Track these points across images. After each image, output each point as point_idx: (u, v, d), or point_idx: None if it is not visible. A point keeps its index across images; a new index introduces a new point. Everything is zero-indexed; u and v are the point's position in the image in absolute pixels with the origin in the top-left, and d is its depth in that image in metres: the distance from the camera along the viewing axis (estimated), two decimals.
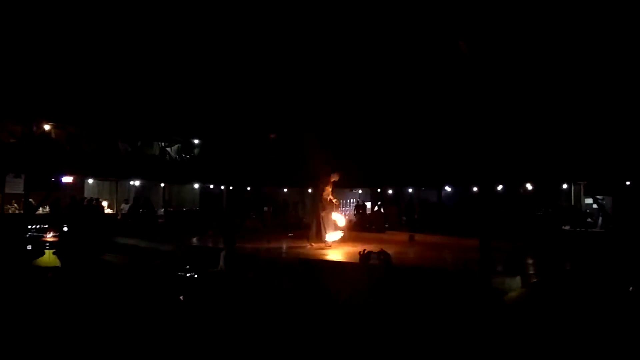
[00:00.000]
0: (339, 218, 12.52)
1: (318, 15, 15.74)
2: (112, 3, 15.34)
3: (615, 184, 16.24)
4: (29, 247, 10.35)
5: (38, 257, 7.05)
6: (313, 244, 11.47)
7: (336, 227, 11.57)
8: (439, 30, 13.40)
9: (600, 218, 17.50)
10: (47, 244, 10.45)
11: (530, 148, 16.89)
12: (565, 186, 19.76)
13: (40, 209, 15.61)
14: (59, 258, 6.07)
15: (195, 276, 5.57)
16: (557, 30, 13.66)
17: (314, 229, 11.68)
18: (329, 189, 11.66)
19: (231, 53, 17.97)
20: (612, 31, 13.55)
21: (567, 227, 16.99)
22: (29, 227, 13.36)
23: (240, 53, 17.97)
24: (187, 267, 5.71)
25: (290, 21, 16.10)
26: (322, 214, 11.53)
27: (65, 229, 13.59)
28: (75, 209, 15.39)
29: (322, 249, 10.98)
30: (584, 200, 19.60)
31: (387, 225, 18.53)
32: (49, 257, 7.03)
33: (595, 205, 18.54)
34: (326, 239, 11.45)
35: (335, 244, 11.43)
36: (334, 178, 11.70)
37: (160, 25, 16.38)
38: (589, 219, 17.82)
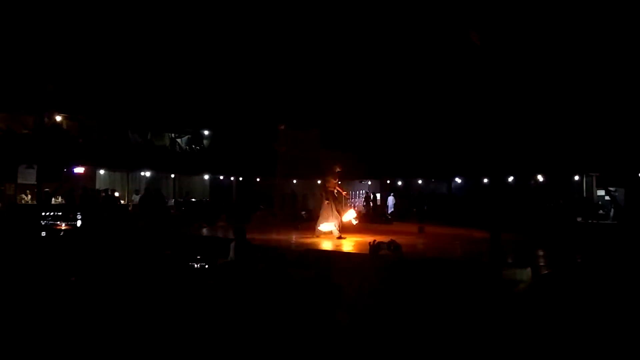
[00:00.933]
0: (349, 213, 12.54)
1: (330, 5, 15.66)
2: None
3: (627, 175, 16.07)
4: (44, 233, 10.51)
5: (51, 245, 7.14)
6: (320, 235, 11.51)
7: (330, 219, 11.55)
8: (450, 21, 13.28)
9: (612, 210, 17.35)
10: (62, 232, 10.59)
11: (542, 140, 16.75)
12: (577, 178, 19.59)
13: (53, 199, 15.77)
14: (75, 248, 6.12)
15: (207, 266, 5.61)
16: (570, 21, 13.47)
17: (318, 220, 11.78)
18: (333, 181, 11.66)
19: (242, 45, 17.96)
20: (625, 23, 13.34)
21: (579, 219, 16.86)
22: (44, 214, 13.51)
23: (251, 45, 17.95)
24: (198, 257, 5.75)
25: (300, 13, 16.03)
26: (325, 203, 11.53)
27: (79, 218, 13.73)
28: (89, 199, 15.54)
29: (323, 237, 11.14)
30: (596, 192, 19.43)
31: (390, 217, 18.52)
32: None
33: (607, 197, 18.37)
34: (319, 228, 11.55)
35: (343, 235, 11.44)
36: (337, 169, 11.69)
37: (172, 18, 16.40)
38: (600, 211, 17.67)
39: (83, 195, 15.75)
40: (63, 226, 12.19)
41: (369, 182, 25.34)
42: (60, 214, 13.61)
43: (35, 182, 15.41)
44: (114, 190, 18.30)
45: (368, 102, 19.82)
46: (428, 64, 17.63)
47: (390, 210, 20.36)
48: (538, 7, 12.53)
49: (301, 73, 18.66)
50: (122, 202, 19.06)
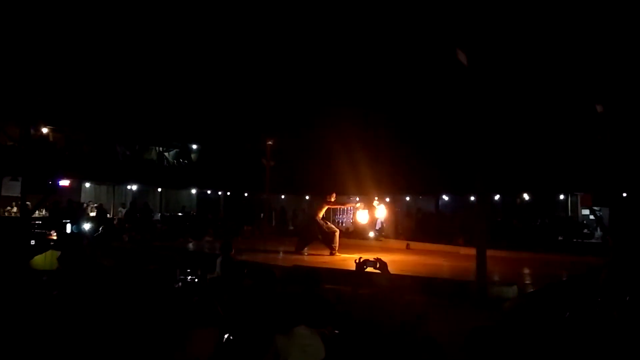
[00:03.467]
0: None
1: (316, 22, 15.80)
2: (111, 7, 15.39)
3: (612, 195, 16.26)
4: (32, 242, 10.37)
5: (41, 253, 7.01)
6: (301, 252, 11.52)
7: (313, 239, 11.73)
8: (438, 39, 13.47)
9: (599, 229, 17.55)
10: (52, 242, 10.42)
11: (528, 158, 16.94)
12: (562, 197, 19.82)
13: (37, 212, 15.54)
14: (60, 262, 5.98)
15: (196, 280, 5.56)
16: (556, 41, 13.75)
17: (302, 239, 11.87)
18: (324, 206, 11.76)
19: (230, 59, 18.02)
20: (609, 42, 13.64)
21: (560, 238, 17.01)
22: (33, 223, 13.42)
23: (239, 59, 18.02)
24: (188, 270, 5.70)
25: (288, 29, 16.16)
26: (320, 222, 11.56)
27: (68, 230, 13.57)
28: (73, 212, 15.36)
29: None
30: (581, 211, 19.66)
31: (383, 234, 18.54)
32: (44, 259, 6.93)
33: (592, 217, 18.58)
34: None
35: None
36: (330, 199, 11.80)
37: (159, 30, 16.42)
38: (585, 230, 17.86)
39: (68, 208, 15.57)
40: (53, 236, 12.02)
41: (357, 199, 25.37)
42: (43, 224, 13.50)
43: (20, 195, 15.19)
44: (101, 204, 18.15)
45: (356, 118, 19.93)
46: (416, 82, 17.82)
47: (378, 227, 20.37)
48: (521, 27, 12.76)
49: (289, 87, 18.75)
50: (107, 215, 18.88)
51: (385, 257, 4.28)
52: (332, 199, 11.78)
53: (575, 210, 19.72)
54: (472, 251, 7.85)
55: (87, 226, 14.42)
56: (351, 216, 22.60)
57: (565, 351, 3.49)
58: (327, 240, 11.34)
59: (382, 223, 20.79)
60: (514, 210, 19.70)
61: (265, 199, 19.26)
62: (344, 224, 23.11)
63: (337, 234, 11.54)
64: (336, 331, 3.64)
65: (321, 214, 11.69)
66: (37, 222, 14.50)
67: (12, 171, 15.37)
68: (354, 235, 17.58)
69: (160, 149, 21.47)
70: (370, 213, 13.04)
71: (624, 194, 16.22)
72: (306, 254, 11.39)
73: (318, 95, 18.87)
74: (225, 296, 4.86)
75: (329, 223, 11.91)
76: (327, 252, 11.27)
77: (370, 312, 3.89)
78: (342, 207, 12.22)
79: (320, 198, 11.99)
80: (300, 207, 23.63)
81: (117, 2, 15.37)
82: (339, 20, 15.62)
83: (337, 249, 11.24)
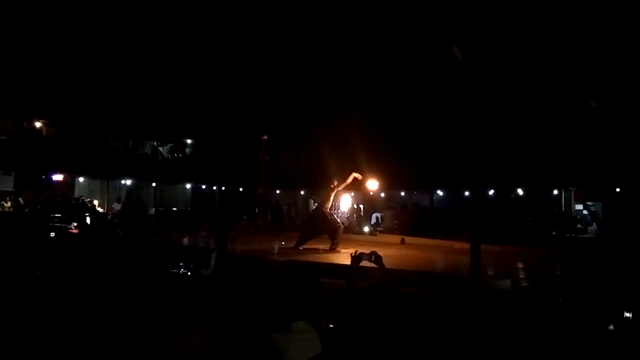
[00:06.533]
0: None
1: (310, 17, 15.76)
2: (105, 2, 15.27)
3: (606, 190, 16.37)
4: (52, 234, 10.52)
5: (62, 245, 7.09)
6: (301, 247, 11.43)
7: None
8: (433, 34, 13.46)
9: (595, 224, 17.67)
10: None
11: (522, 153, 17.01)
12: (555, 192, 19.92)
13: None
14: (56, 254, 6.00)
15: (189, 274, 5.55)
16: (550, 36, 13.77)
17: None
18: (331, 194, 11.48)
19: (225, 53, 17.94)
20: (602, 40, 13.68)
21: (553, 233, 17.10)
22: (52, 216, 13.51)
23: (234, 53, 17.96)
24: (181, 264, 5.69)
25: (281, 22, 16.11)
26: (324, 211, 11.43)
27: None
28: (68, 207, 15.30)
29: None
30: (574, 207, 19.78)
31: (379, 228, 18.58)
32: None
33: (585, 212, 18.71)
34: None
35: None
36: (334, 184, 11.44)
37: (154, 24, 16.32)
38: (579, 225, 17.97)
39: (62, 203, 15.49)
40: (74, 229, 12.11)
41: (352, 194, 25.40)
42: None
43: (13, 189, 15.13)
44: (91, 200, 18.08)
45: (351, 112, 19.91)
46: (411, 77, 17.81)
47: (373, 222, 20.45)
48: (516, 23, 12.77)
49: (284, 82, 18.71)
50: (100, 210, 18.79)
51: (380, 251, 4.28)
52: (335, 183, 11.47)
53: (569, 205, 19.83)
54: (467, 246, 7.88)
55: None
56: (347, 213, 22.67)
57: (560, 343, 3.51)
58: (331, 233, 11.22)
59: (377, 218, 20.87)
60: (509, 205, 19.78)
61: (260, 194, 19.21)
62: (339, 219, 23.15)
63: (341, 229, 11.39)
64: (331, 325, 3.64)
65: (329, 204, 11.56)
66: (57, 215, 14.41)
67: (5, 165, 15.28)
68: (349, 230, 17.60)
69: (155, 143, 21.39)
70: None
71: (617, 189, 16.34)
72: (301, 248, 11.34)
73: (313, 90, 18.83)
74: (220, 291, 4.86)
75: (334, 216, 11.78)
76: (322, 246, 11.23)
77: (366, 306, 3.89)
78: (347, 183, 11.49)
79: (324, 188, 11.67)
80: (295, 202, 23.65)
81: None
82: (333, 15, 15.57)
83: (338, 244, 11.09)
